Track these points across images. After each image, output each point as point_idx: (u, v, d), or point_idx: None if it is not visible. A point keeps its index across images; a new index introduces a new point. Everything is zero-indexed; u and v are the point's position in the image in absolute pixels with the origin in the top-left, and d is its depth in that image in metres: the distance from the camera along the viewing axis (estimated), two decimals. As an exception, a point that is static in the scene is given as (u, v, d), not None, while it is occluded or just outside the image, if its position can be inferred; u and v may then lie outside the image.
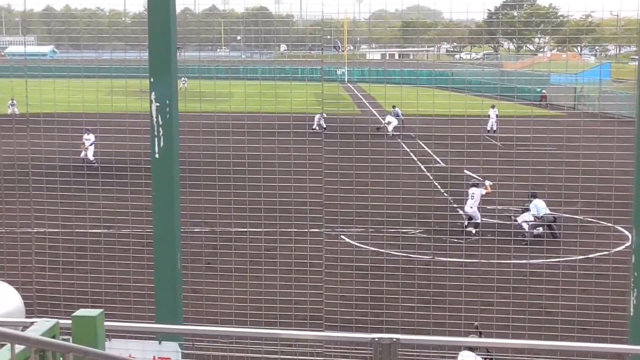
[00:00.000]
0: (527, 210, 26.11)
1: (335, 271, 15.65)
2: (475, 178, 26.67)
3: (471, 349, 12.01)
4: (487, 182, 26.78)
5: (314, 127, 44.58)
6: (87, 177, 16.17)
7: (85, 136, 36.59)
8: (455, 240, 22.67)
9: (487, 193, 26.75)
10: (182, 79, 42.03)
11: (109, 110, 16.96)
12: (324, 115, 45.40)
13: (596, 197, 16.29)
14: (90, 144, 36.81)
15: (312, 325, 15.49)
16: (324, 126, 42.02)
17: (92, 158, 35.75)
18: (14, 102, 49.33)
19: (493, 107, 47.78)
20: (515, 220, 25.94)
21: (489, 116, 48.92)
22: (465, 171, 25.47)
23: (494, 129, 48.12)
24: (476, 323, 13.72)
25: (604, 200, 15.75)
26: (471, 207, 26.85)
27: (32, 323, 5.83)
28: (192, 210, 17.58)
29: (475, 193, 26.82)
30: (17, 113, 44.25)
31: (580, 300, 14.83)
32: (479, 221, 26.50)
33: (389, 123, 50.03)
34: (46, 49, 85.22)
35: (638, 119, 10.13)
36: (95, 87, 17.64)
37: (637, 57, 6.69)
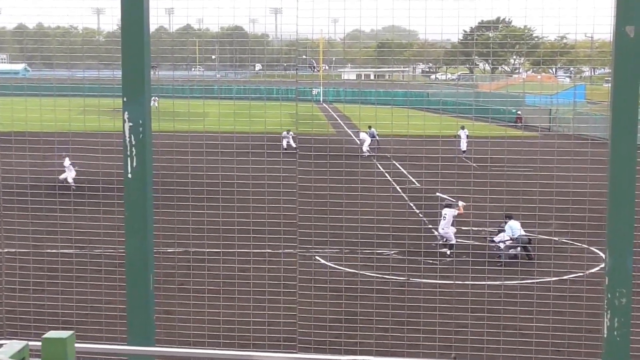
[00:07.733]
0: (503, 230, 26.21)
1: (309, 292, 15.57)
2: (447, 199, 26.68)
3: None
4: (460, 203, 26.79)
5: (284, 147, 44.33)
6: (58, 197, 16.00)
7: (65, 162, 35.26)
8: (430, 261, 22.63)
9: (459, 214, 26.76)
10: (153, 98, 41.27)
11: (82, 129, 16.82)
12: (292, 134, 45.26)
13: (570, 219, 16.33)
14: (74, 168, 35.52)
15: (285, 347, 15.38)
16: (294, 145, 41.75)
17: (71, 181, 35.07)
18: None
19: (463, 127, 48.22)
20: (492, 241, 25.99)
21: (459, 137, 49.34)
22: (438, 193, 25.51)
23: (463, 149, 48.50)
24: (454, 354, 13.68)
25: (578, 221, 15.79)
26: (442, 229, 26.91)
27: (1, 345, 5.74)
28: (165, 230, 17.45)
29: (448, 214, 26.84)
30: None
31: (554, 322, 14.82)
32: (453, 242, 26.51)
33: (362, 140, 50.21)
34: (18, 67, 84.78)
35: (611, 140, 10.14)
36: (67, 106, 17.48)
37: (610, 79, 6.69)
